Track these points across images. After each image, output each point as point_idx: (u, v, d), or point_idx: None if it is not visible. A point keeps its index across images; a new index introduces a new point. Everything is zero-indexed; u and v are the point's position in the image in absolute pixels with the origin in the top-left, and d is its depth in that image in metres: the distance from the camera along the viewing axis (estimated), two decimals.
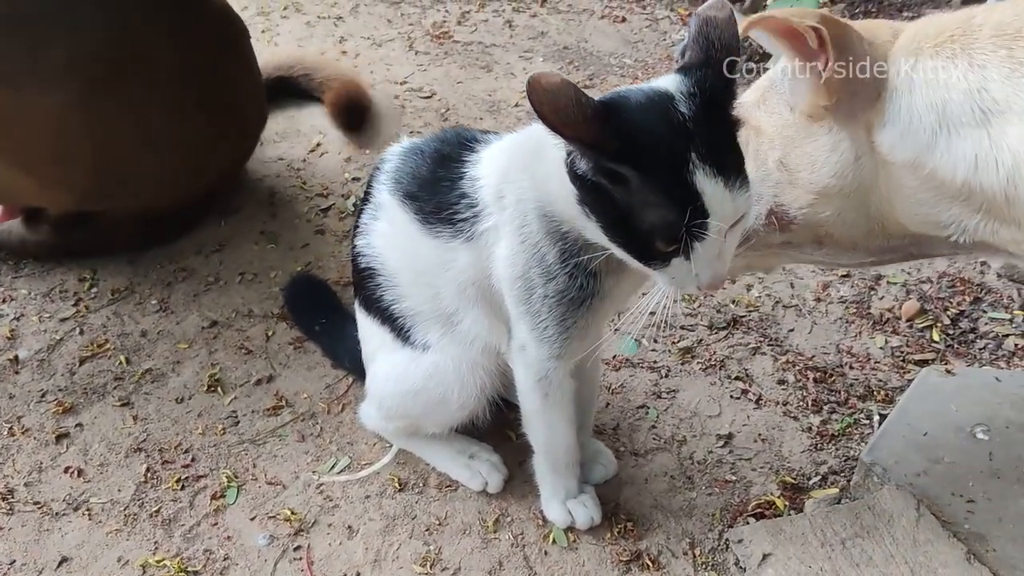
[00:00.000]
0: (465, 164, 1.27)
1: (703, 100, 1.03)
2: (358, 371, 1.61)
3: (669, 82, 1.06)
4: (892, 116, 1.10)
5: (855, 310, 1.92)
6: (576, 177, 1.06)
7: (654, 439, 1.62)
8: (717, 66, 1.04)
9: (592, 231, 1.11)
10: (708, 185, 1.00)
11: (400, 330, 1.40)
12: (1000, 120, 1.03)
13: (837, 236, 1.21)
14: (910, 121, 1.09)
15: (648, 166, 1.01)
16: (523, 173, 1.20)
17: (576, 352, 1.28)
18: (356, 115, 2.44)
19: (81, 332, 1.84)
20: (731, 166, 1.02)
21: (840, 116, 1.13)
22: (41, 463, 1.57)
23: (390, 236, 1.35)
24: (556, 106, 0.97)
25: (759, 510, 1.49)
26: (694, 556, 1.42)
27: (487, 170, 1.25)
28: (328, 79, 2.53)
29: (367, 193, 1.40)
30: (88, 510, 1.49)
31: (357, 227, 1.41)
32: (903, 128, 1.10)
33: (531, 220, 1.19)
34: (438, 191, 1.28)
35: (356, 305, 1.49)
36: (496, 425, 1.54)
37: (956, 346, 1.82)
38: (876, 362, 1.79)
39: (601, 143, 1.00)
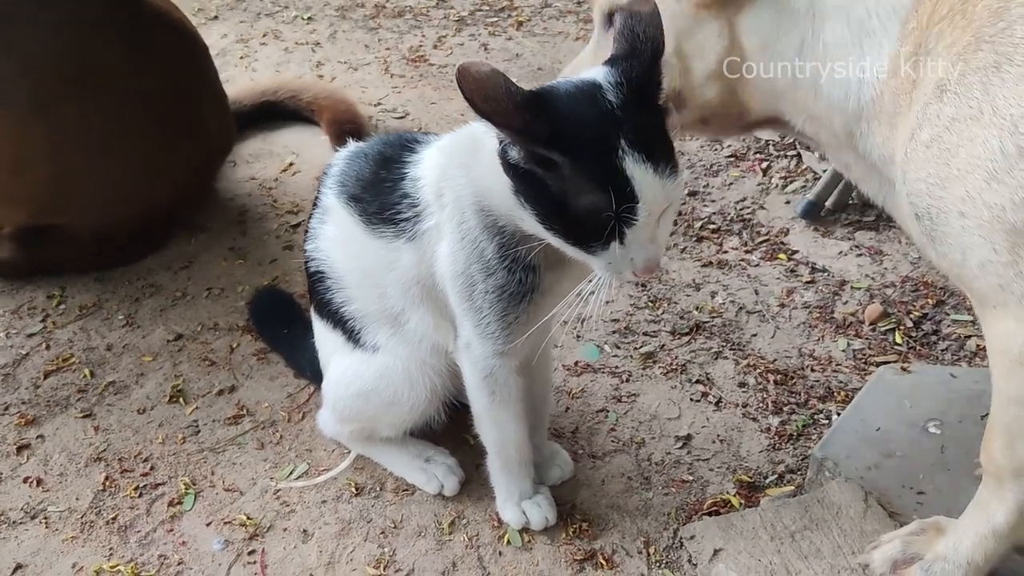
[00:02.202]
0: (406, 165, 1.29)
1: (630, 89, 1.06)
2: (319, 380, 1.62)
3: (597, 73, 1.09)
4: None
5: (818, 315, 1.92)
6: (509, 166, 1.08)
7: (613, 442, 1.63)
8: (643, 57, 1.07)
9: (528, 222, 1.12)
10: (638, 171, 1.02)
11: (351, 332, 1.41)
12: (820, 19, 1.11)
13: (720, 115, 1.26)
14: (762, 8, 1.15)
15: (578, 152, 1.03)
16: (460, 170, 1.22)
17: (520, 349, 1.30)
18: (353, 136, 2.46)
19: (47, 347, 1.86)
20: (660, 153, 1.04)
21: (723, 1, 1.18)
22: (0, 474, 1.58)
23: (337, 239, 1.37)
24: (486, 94, 1.00)
25: (715, 508, 1.49)
26: (648, 554, 1.42)
27: (427, 170, 1.26)
28: (317, 98, 2.56)
29: (316, 198, 1.41)
30: (45, 518, 1.50)
31: (307, 231, 1.43)
32: (757, 15, 1.16)
33: (469, 216, 1.21)
34: (381, 192, 1.30)
35: (312, 310, 1.50)
36: (453, 429, 1.55)
37: (918, 348, 1.83)
38: (838, 364, 1.79)
39: (531, 130, 1.02)
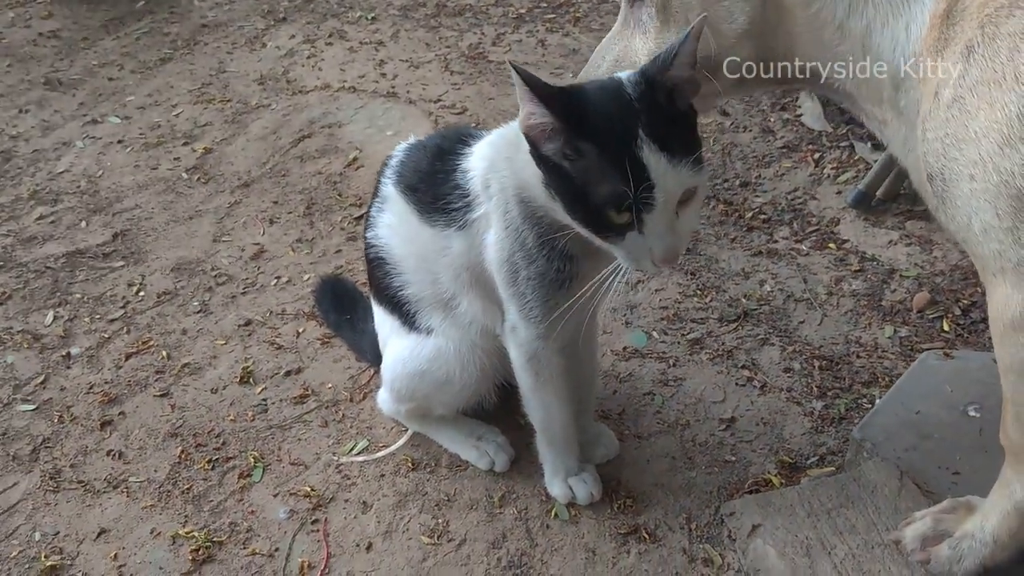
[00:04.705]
0: (459, 157, 1.37)
1: (648, 84, 1.13)
2: (379, 362, 1.70)
3: (623, 74, 1.16)
4: None
5: (866, 303, 1.95)
6: (540, 159, 1.16)
7: (658, 423, 1.69)
8: (663, 58, 1.14)
9: (559, 211, 1.20)
10: (653, 159, 1.09)
11: (407, 316, 1.49)
12: None
13: (754, 74, 1.27)
14: None
15: (598, 139, 1.10)
16: (505, 163, 1.30)
17: (562, 332, 1.36)
18: None
19: (128, 331, 1.99)
20: (676, 143, 1.11)
21: None
22: (86, 447, 1.71)
23: (394, 226, 1.45)
24: (534, 80, 1.09)
25: (756, 488, 1.54)
26: (690, 530, 1.48)
27: (476, 162, 1.34)
28: None
29: (376, 187, 1.50)
30: (126, 488, 1.62)
31: (367, 220, 1.52)
32: None
33: (512, 207, 1.29)
34: (435, 183, 1.38)
35: (371, 296, 1.59)
36: (505, 410, 1.63)
37: (966, 335, 1.85)
38: (883, 351, 1.82)
39: (562, 113, 1.10)
